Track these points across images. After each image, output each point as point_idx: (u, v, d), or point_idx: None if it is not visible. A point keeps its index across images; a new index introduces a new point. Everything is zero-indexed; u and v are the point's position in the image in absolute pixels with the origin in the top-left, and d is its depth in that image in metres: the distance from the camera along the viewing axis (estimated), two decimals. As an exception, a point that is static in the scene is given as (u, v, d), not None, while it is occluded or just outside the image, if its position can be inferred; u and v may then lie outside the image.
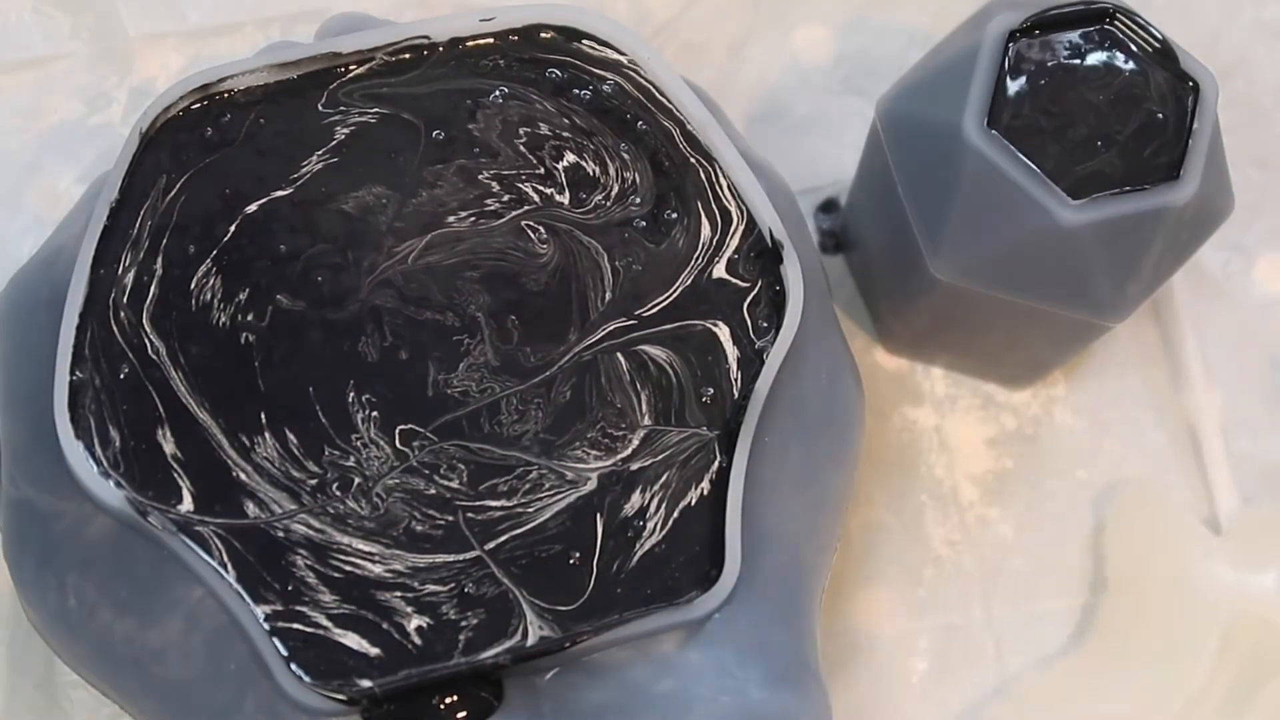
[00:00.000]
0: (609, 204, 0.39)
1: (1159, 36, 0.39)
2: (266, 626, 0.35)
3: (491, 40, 0.40)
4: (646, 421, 0.37)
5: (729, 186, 0.39)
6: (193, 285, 0.37)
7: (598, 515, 0.37)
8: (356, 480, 0.36)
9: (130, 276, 0.37)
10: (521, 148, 0.39)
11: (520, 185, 0.39)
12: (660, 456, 0.37)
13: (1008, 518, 0.47)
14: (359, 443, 0.37)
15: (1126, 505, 0.47)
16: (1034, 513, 0.47)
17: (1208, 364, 0.49)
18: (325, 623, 0.35)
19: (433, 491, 0.36)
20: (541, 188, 0.39)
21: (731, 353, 0.38)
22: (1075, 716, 0.45)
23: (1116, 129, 0.39)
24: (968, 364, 0.48)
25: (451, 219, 0.38)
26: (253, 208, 0.38)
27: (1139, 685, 0.45)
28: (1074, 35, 0.40)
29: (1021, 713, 0.45)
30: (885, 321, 0.48)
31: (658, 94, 0.40)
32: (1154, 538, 0.46)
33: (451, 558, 0.36)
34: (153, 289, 0.37)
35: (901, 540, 0.47)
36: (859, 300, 0.49)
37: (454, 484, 0.37)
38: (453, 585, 0.36)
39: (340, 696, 0.35)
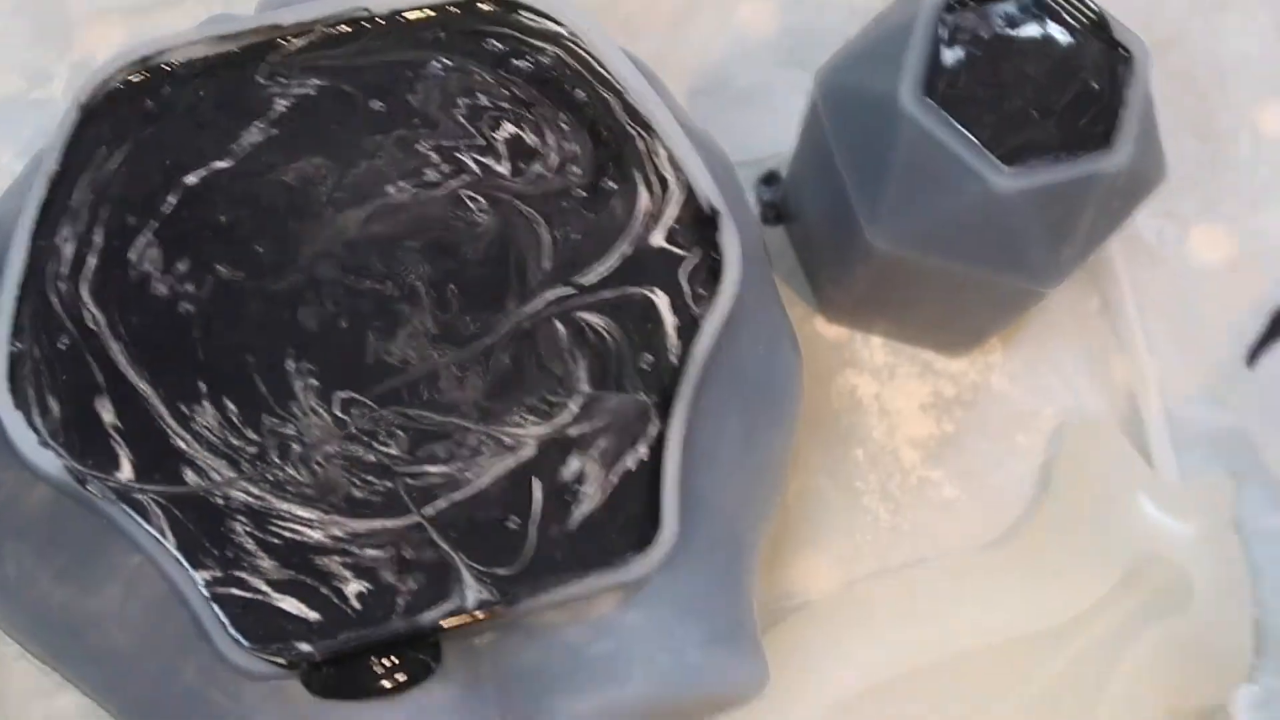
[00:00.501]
0: (548, 174, 0.39)
1: (1094, 8, 0.39)
2: (206, 593, 0.35)
3: (431, 13, 0.40)
4: (585, 388, 0.38)
5: (667, 157, 0.39)
6: (132, 256, 0.38)
7: (536, 480, 0.37)
8: (296, 447, 0.37)
9: (70, 248, 0.38)
10: (461, 118, 0.39)
11: (459, 156, 0.39)
12: (598, 423, 0.38)
13: (948, 479, 0.48)
14: (298, 410, 0.37)
15: (1080, 434, 0.48)
16: (974, 475, 0.48)
17: (1146, 331, 0.49)
18: (264, 588, 0.36)
19: (372, 458, 0.37)
20: (481, 158, 0.39)
21: (670, 320, 0.38)
22: (973, 614, 0.46)
23: (1052, 99, 0.39)
24: (906, 332, 0.49)
25: (391, 189, 0.39)
26: (192, 179, 0.38)
27: (1039, 594, 0.46)
28: (1010, 6, 0.40)
29: (928, 602, 0.46)
30: (825, 291, 0.48)
31: (596, 65, 0.40)
32: (1097, 462, 0.47)
33: (390, 523, 0.36)
34: (92, 260, 0.38)
35: (840, 504, 0.48)
36: (799, 271, 0.50)
37: (393, 450, 0.37)
38: (391, 550, 0.36)
39: (280, 660, 0.35)
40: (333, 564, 0.36)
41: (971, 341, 0.49)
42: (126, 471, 0.36)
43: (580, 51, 0.40)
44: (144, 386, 0.37)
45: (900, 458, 0.48)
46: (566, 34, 0.40)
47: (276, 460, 0.36)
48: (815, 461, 0.48)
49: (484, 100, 0.39)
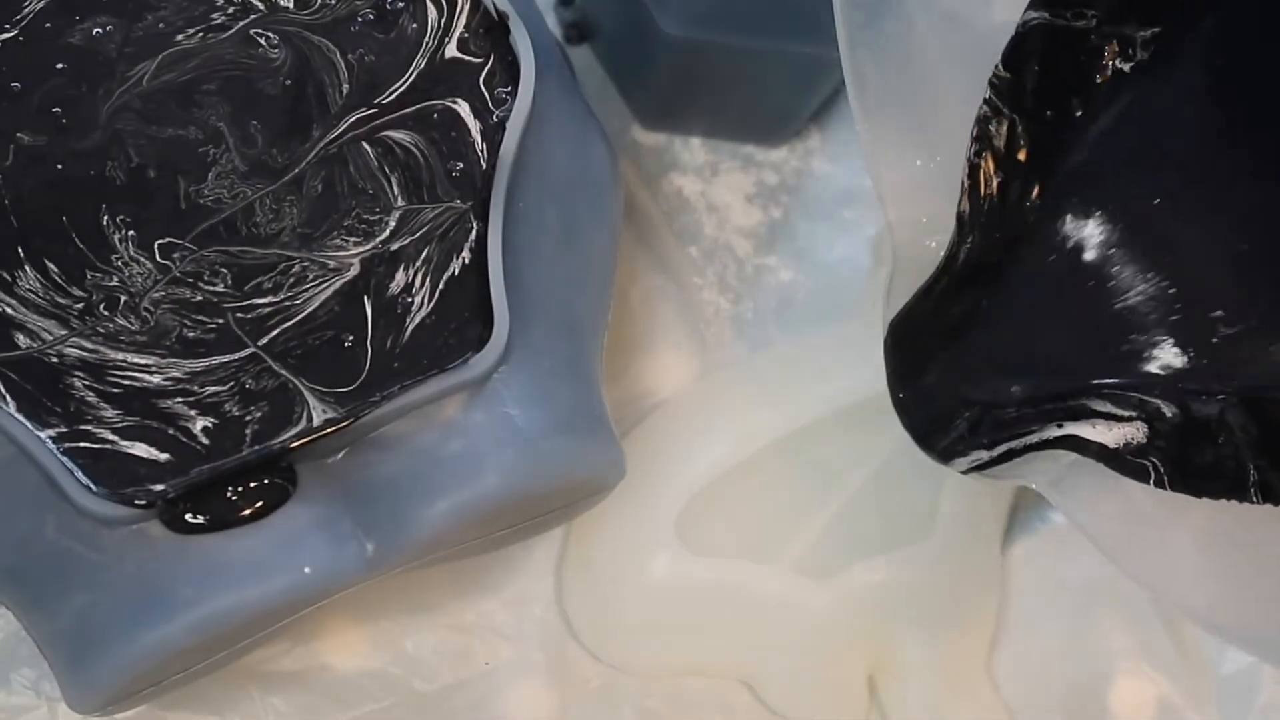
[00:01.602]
0: (333, 2, 0.39)
1: None
2: (54, 448, 0.36)
3: None
4: (400, 203, 0.38)
5: (450, -29, 0.40)
6: (-69, 135, 0.38)
7: (365, 297, 0.38)
8: (123, 298, 0.37)
9: None
10: (241, -39, 0.39)
11: (244, -3, 0.39)
12: (418, 233, 0.38)
13: (783, 264, 0.49)
14: (119, 262, 0.37)
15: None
16: (807, 256, 0.49)
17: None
18: (112, 437, 0.36)
19: (199, 298, 0.37)
20: (265, -3, 0.39)
21: (474, 126, 0.39)
22: (820, 389, 0.48)
23: None
24: (722, 127, 0.50)
25: (180, 37, 0.39)
26: (-20, 53, 0.38)
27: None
28: None
29: (776, 385, 0.47)
30: (635, 97, 0.49)
31: (367, -111, 0.40)
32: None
33: (227, 358, 0.37)
34: (-111, 142, 0.37)
35: (681, 301, 0.49)
36: (610, 84, 0.50)
37: (219, 288, 0.37)
38: (232, 384, 0.37)
39: (139, 501, 0.36)
40: (176, 405, 0.37)
41: (786, 127, 0.50)
42: (-45, 343, 0.36)
43: (350, -122, 0.40)
44: (-40, 260, 0.37)
45: (734, 248, 0.49)
46: None
47: (105, 313, 0.37)
48: (652, 264, 0.49)
49: (262, -60, 0.40)
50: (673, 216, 0.50)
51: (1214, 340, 0.38)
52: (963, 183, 0.39)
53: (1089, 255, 0.39)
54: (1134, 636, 0.48)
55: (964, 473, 0.39)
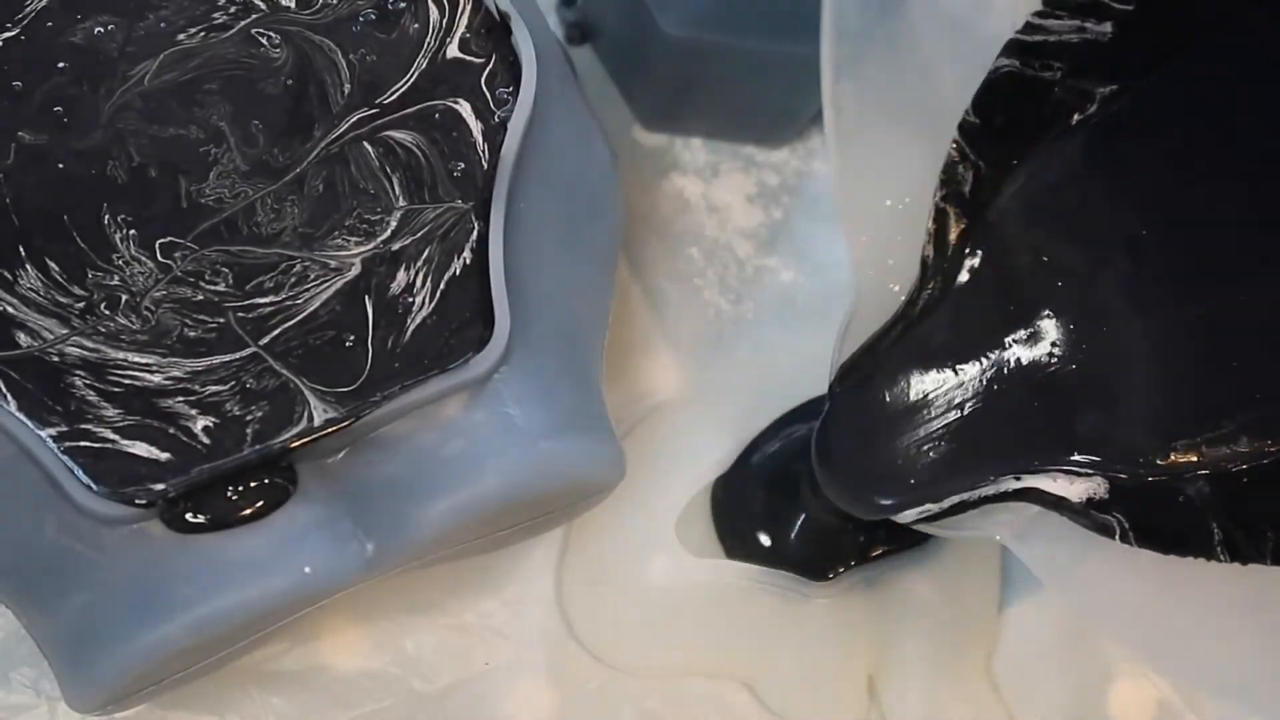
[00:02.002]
0: (335, 2, 0.39)
1: None
2: (54, 447, 0.36)
3: None
4: (401, 203, 0.38)
5: (452, -29, 0.40)
6: (-67, 134, 0.38)
7: (366, 297, 0.38)
8: (124, 297, 0.37)
9: None
10: (242, -39, 0.39)
11: (245, -4, 0.39)
12: (419, 233, 0.38)
13: (784, 265, 0.49)
14: (121, 261, 0.37)
15: None
16: (808, 257, 0.49)
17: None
18: (112, 436, 0.36)
19: (200, 298, 0.37)
20: (267, -4, 0.39)
21: (475, 126, 0.39)
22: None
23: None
24: (722, 128, 0.50)
25: (181, 36, 0.39)
26: (-19, 52, 0.38)
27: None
28: None
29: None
30: (637, 98, 0.49)
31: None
32: None
33: (228, 357, 0.37)
34: (-109, 140, 0.37)
35: (682, 302, 0.49)
36: (612, 85, 0.50)
37: (220, 287, 0.37)
38: (233, 383, 0.37)
39: (140, 501, 0.36)
40: (177, 404, 0.37)
41: (787, 129, 0.50)
42: (-44, 342, 0.36)
43: (354, -120, 0.40)
44: (-39, 258, 0.37)
45: (734, 250, 0.49)
46: None
47: (106, 312, 0.37)
48: (653, 266, 0.49)
49: (264, -60, 0.40)
50: (673, 217, 0.50)
51: (1137, 429, 0.38)
52: (928, 228, 0.39)
53: (1022, 334, 0.38)
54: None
55: (911, 525, 0.39)
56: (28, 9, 0.39)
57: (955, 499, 0.38)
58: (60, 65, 0.38)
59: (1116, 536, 0.37)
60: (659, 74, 0.45)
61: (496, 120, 0.39)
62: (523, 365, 0.38)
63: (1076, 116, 0.38)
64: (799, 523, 0.46)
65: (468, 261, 0.38)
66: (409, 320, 0.38)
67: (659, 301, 0.49)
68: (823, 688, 0.47)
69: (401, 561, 0.38)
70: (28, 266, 0.37)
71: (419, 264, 0.38)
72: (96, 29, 0.39)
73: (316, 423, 0.37)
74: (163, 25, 0.39)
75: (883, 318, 0.39)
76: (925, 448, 0.38)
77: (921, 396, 0.38)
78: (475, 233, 0.38)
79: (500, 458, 0.38)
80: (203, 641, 0.36)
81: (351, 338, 0.38)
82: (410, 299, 0.38)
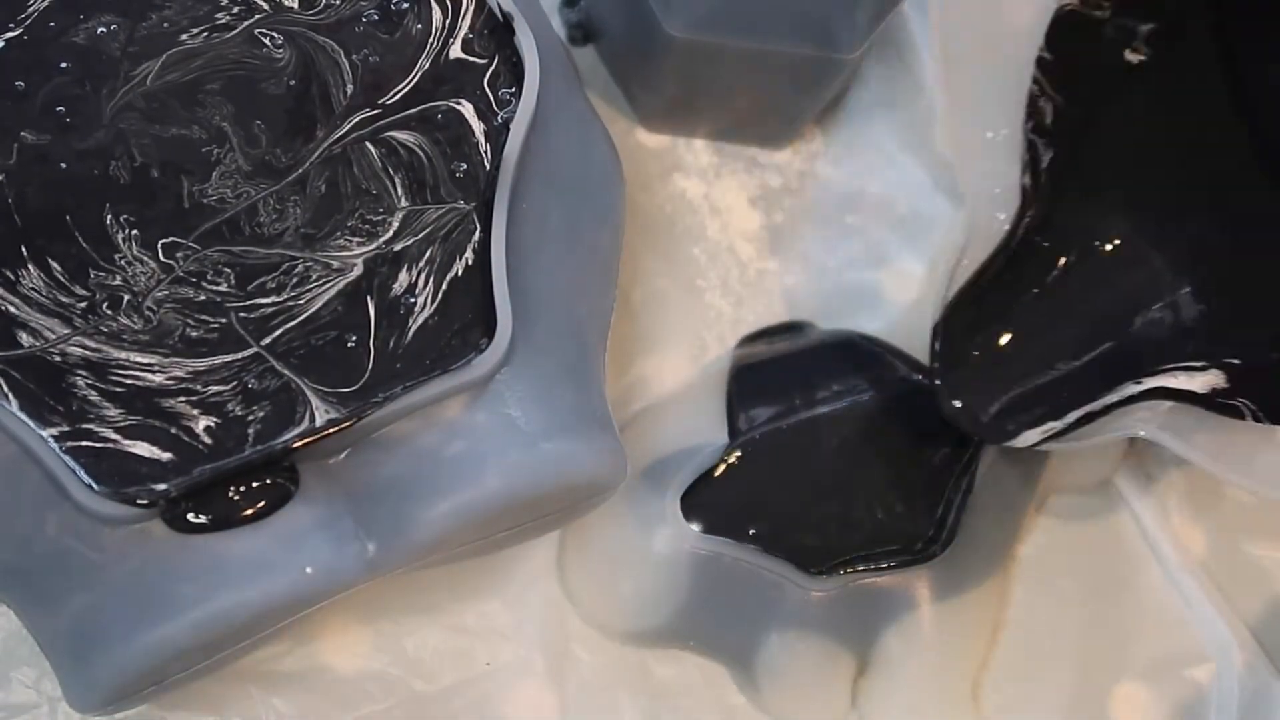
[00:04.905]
0: (338, 2, 0.39)
1: None
2: (56, 447, 0.36)
3: None
4: (403, 203, 0.38)
5: (455, -29, 0.40)
6: (-66, 134, 0.38)
7: (368, 297, 0.38)
8: (126, 297, 0.37)
9: (-128, 132, 0.37)
10: (245, -40, 0.39)
11: (248, -3, 0.39)
12: (421, 234, 0.38)
13: (786, 268, 0.49)
14: (123, 261, 0.37)
15: None
16: (810, 260, 0.49)
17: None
18: (114, 436, 0.36)
19: (202, 298, 0.37)
20: (269, -4, 0.39)
21: (478, 127, 0.39)
22: None
23: None
24: (725, 129, 0.50)
25: (184, 37, 0.39)
26: (-16, 52, 0.38)
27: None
28: None
29: None
30: (639, 99, 0.49)
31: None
32: None
33: (230, 357, 0.37)
34: (-107, 141, 0.37)
35: (684, 304, 0.49)
36: (614, 86, 0.50)
37: (222, 287, 0.37)
38: (235, 383, 0.37)
39: (141, 501, 0.36)
40: (178, 404, 0.37)
41: (790, 130, 0.50)
42: (-43, 342, 0.36)
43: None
44: (-37, 258, 0.37)
45: (737, 252, 0.49)
46: None
47: (108, 311, 0.37)
48: (655, 266, 0.49)
49: (266, -61, 0.40)
50: (676, 219, 0.49)
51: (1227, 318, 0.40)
52: (1022, 158, 0.40)
53: (1109, 249, 0.39)
54: (1134, 641, 0.48)
55: (1037, 445, 0.40)
56: (30, 9, 0.39)
57: (1079, 412, 0.40)
58: (63, 65, 0.38)
59: (1249, 418, 0.39)
60: (662, 75, 0.45)
61: (499, 121, 0.39)
62: (525, 366, 0.38)
63: (1126, 53, 0.41)
64: (805, 513, 0.47)
65: (470, 262, 0.38)
66: (411, 321, 0.38)
67: (661, 303, 0.49)
68: (809, 685, 0.47)
69: (403, 562, 0.38)
70: (30, 266, 0.37)
71: (421, 265, 0.38)
72: (99, 29, 0.39)
73: (318, 423, 0.37)
74: (165, 25, 0.39)
75: (990, 249, 0.41)
76: (1043, 369, 0.40)
77: (1034, 320, 0.40)
78: (477, 234, 0.38)
79: (502, 459, 0.38)
80: (204, 642, 0.36)
81: (353, 338, 0.38)
82: (412, 300, 0.38)
